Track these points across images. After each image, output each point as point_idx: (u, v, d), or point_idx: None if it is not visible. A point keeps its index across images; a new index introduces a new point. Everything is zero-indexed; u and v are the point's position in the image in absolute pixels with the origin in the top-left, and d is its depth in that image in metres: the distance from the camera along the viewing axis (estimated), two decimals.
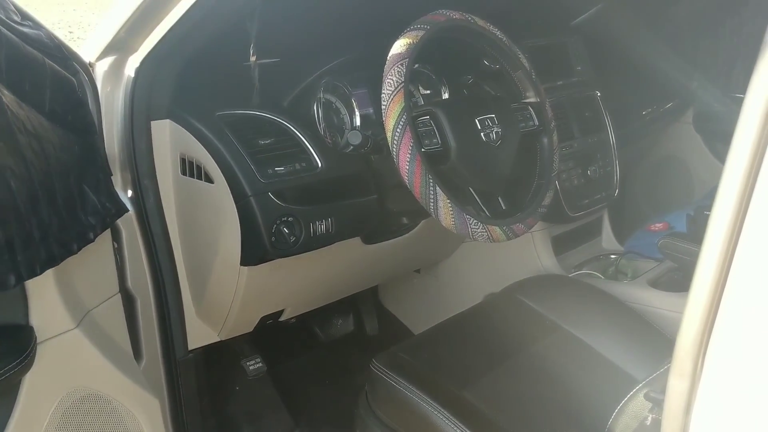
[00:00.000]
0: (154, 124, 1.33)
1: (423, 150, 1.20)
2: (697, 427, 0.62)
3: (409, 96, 1.18)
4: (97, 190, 1.13)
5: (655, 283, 1.69)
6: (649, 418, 0.88)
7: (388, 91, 1.17)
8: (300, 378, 1.96)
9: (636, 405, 0.97)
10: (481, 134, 1.30)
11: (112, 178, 1.18)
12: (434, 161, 1.24)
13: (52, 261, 1.01)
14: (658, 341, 1.40)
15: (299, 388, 1.92)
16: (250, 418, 1.78)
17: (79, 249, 1.06)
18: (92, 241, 1.09)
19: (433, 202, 1.18)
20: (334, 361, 2.05)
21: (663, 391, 0.66)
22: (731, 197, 0.55)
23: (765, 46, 0.55)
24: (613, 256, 1.95)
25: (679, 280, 1.71)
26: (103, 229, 1.13)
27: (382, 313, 2.21)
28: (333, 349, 2.08)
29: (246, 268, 1.36)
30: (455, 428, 1.14)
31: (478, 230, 1.23)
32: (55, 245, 1.01)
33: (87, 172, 1.11)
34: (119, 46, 1.31)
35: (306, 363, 2.02)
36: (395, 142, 1.16)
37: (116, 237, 1.31)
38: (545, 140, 1.42)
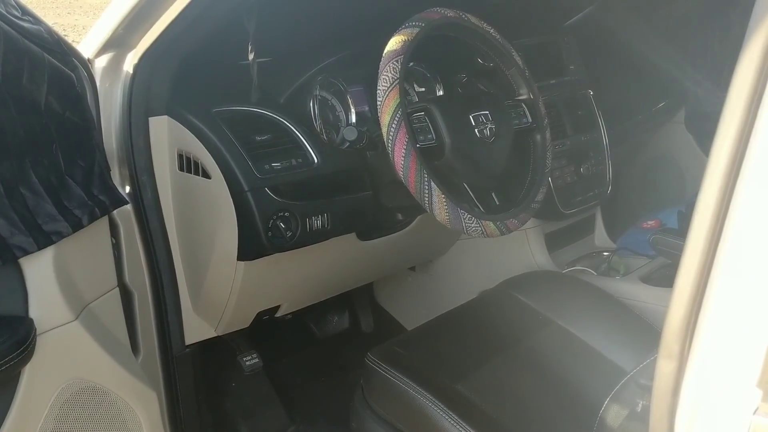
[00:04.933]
0: (151, 120, 1.34)
1: (418, 145, 1.21)
2: (685, 407, 0.64)
3: (404, 92, 1.20)
4: (87, 183, 1.14)
5: (647, 279, 1.71)
6: (640, 405, 0.90)
7: (383, 87, 1.19)
8: (295, 374, 1.96)
9: (626, 394, 0.98)
10: (475, 130, 1.31)
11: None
12: (429, 157, 1.25)
13: None
14: (649, 335, 1.42)
15: (295, 384, 1.93)
16: (246, 414, 1.79)
17: (43, 246, 1.06)
18: (65, 236, 1.09)
19: (427, 197, 1.19)
20: (329, 358, 2.06)
21: (652, 378, 0.68)
22: (716, 183, 0.57)
23: (745, 45, 0.57)
24: (605, 253, 1.97)
25: (670, 277, 1.71)
26: (91, 221, 1.13)
27: (377, 311, 2.21)
28: (328, 345, 2.09)
29: (242, 263, 1.37)
30: (449, 420, 1.16)
31: (472, 225, 1.25)
32: None
33: (74, 166, 1.12)
34: (117, 42, 1.32)
35: (301, 359, 2.03)
36: (390, 137, 1.18)
37: (114, 232, 1.31)
38: (538, 137, 1.43)
